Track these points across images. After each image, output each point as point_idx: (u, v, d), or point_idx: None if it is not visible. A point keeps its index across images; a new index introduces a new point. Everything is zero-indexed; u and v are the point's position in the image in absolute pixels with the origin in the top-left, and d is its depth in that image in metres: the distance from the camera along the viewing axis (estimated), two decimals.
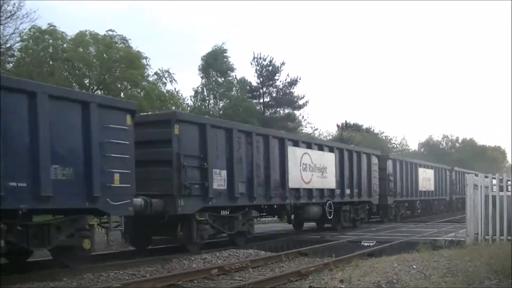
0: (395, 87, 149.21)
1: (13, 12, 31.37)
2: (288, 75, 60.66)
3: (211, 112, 52.58)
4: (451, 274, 11.60)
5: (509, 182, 17.95)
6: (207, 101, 55.90)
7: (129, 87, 40.76)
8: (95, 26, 58.01)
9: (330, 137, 70.06)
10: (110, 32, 40.16)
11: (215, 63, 54.51)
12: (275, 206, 23.33)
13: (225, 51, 55.34)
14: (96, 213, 14.79)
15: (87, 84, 39.63)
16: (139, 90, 40.55)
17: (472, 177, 18.41)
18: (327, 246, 19.80)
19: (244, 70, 76.84)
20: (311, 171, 24.79)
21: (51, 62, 37.49)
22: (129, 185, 15.30)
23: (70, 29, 59.79)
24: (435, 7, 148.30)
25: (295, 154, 23.65)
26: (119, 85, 40.34)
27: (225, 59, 55.36)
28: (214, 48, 55.34)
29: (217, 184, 18.85)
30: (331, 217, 26.25)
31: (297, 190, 23.73)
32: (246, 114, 51.29)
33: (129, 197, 15.39)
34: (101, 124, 14.53)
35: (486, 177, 18.19)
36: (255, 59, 60.36)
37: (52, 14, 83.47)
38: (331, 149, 27.20)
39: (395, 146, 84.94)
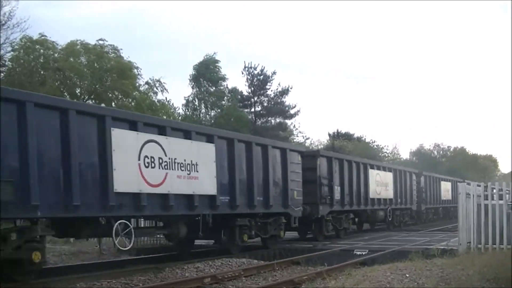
0: (386, 96, 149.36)
1: (3, 22, 31.31)
2: (279, 84, 60.81)
3: (202, 121, 52.58)
4: (444, 282, 11.61)
5: (503, 191, 17.95)
6: (199, 111, 55.93)
7: (120, 96, 40.75)
8: (85, 36, 57.92)
9: (322, 146, 70.05)
10: (100, 42, 40.22)
11: (206, 73, 54.57)
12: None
13: (217, 61, 55.47)
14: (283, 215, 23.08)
15: (78, 94, 39.60)
16: (130, 100, 40.55)
17: (464, 185, 18.44)
18: (319, 255, 19.74)
19: (235, 80, 77.14)
20: (380, 186, 33.60)
21: (42, 72, 37.47)
22: (300, 198, 24.00)
23: (60, 38, 59.69)
24: (425, 15, 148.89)
25: (372, 174, 32.46)
26: (110, 95, 40.33)
27: (217, 69, 55.44)
28: (205, 57, 55.43)
29: (336, 196, 27.48)
30: (391, 219, 35.19)
31: (373, 199, 32.40)
32: (238, 124, 51.34)
33: (300, 206, 24.00)
34: (290, 161, 23.13)
35: (478, 186, 18.22)
36: (246, 69, 60.45)
37: (43, 23, 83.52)
38: (390, 170, 36.38)
39: (386, 155, 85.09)
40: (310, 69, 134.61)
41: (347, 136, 76.18)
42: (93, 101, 38.93)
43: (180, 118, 51.92)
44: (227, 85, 56.82)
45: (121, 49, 41.23)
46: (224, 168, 19.17)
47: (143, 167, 15.35)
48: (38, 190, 12.40)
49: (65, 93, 38.22)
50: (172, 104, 52.23)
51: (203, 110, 56.25)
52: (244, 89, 60.07)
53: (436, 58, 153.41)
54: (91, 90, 39.75)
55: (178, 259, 17.85)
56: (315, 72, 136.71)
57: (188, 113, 55.10)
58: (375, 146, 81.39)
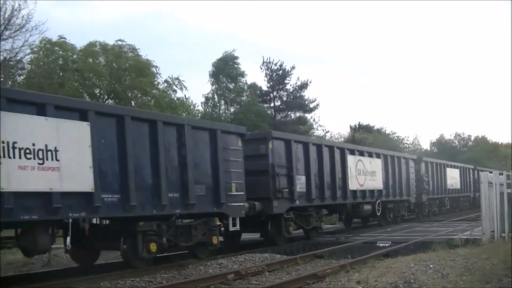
0: (406, 87, 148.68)
1: (22, 25, 31.45)
2: (298, 78, 60.76)
3: (222, 117, 52.65)
4: (469, 272, 11.56)
5: None
6: (218, 107, 55.98)
7: (139, 95, 40.88)
8: (104, 35, 58.41)
9: (342, 139, 69.99)
10: (119, 42, 40.36)
11: (225, 69, 54.62)
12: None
13: (235, 57, 55.49)
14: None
15: (98, 94, 39.78)
16: (149, 98, 40.65)
17: (487, 174, 18.31)
18: (342, 248, 19.75)
19: (254, 75, 77.10)
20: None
21: (61, 74, 37.64)
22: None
23: (79, 40, 59.87)
24: (444, 5, 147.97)
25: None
26: (129, 94, 40.47)
27: (236, 65, 55.49)
28: (224, 54, 55.50)
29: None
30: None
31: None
32: (257, 119, 51.37)
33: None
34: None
35: (500, 174, 18.09)
36: (265, 64, 60.42)
37: (61, 25, 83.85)
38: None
39: (407, 146, 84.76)
40: (330, 62, 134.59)
41: (368, 129, 75.98)
42: (113, 101, 39.10)
43: (199, 115, 52.05)
44: (246, 80, 56.89)
45: (139, 48, 41.43)
46: None
47: None
48: None
49: (84, 94, 38.43)
50: (192, 101, 52.34)
51: (223, 107, 56.33)
52: (263, 84, 60.19)
53: (456, 47, 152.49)
54: (110, 90, 39.90)
55: (201, 256, 17.86)
56: (334, 65, 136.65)
57: (208, 110, 55.19)
58: (395, 138, 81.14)
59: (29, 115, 12.34)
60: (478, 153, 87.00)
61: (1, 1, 30.28)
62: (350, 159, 26.90)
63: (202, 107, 55.77)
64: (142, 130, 15.34)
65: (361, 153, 28.63)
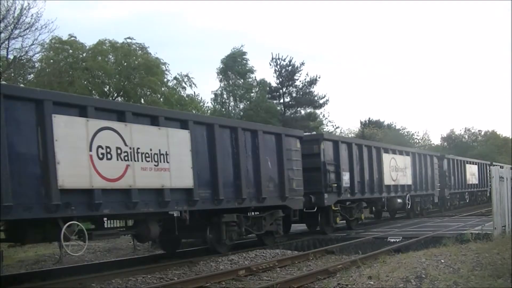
0: (416, 82, 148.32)
1: (31, 24, 31.51)
2: (307, 74, 60.47)
3: (231, 114, 52.67)
4: (480, 267, 11.55)
5: None
6: (227, 104, 55.99)
7: (148, 93, 41.00)
8: (114, 34, 58.49)
9: (352, 135, 69.94)
10: (128, 40, 40.46)
11: (234, 66, 54.65)
12: None
13: (244, 53, 55.50)
14: None
15: (107, 92, 39.94)
16: (159, 96, 40.77)
17: (498, 169, 18.25)
18: (353, 244, 19.72)
19: (263, 71, 76.71)
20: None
21: (71, 72, 37.77)
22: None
23: (89, 37, 60.18)
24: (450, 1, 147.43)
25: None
26: (138, 92, 40.58)
27: (244, 61, 55.49)
28: (233, 50, 55.52)
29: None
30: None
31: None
32: (267, 115, 51.32)
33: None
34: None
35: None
36: (274, 60, 60.16)
37: (70, 24, 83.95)
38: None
39: (417, 141, 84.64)
40: (339, 58, 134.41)
41: (378, 124, 75.83)
42: (122, 99, 39.22)
43: (209, 112, 52.11)
44: (255, 77, 56.88)
45: (148, 46, 41.56)
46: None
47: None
48: None
49: (93, 92, 38.57)
50: (201, 98, 52.46)
51: (232, 103, 56.35)
52: (273, 80, 59.97)
53: (466, 42, 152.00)
54: (119, 88, 40.05)
55: (212, 252, 17.86)
56: (344, 61, 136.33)
57: (217, 106, 55.25)
58: (405, 133, 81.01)
59: None
60: (488, 148, 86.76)
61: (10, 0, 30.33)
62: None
63: (212, 104, 55.88)
64: None
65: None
